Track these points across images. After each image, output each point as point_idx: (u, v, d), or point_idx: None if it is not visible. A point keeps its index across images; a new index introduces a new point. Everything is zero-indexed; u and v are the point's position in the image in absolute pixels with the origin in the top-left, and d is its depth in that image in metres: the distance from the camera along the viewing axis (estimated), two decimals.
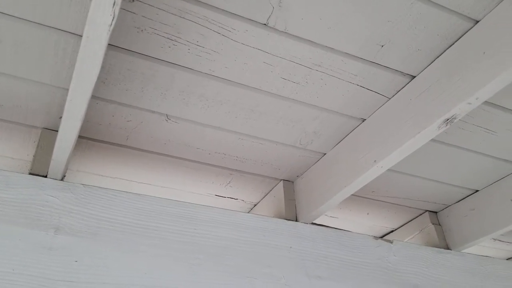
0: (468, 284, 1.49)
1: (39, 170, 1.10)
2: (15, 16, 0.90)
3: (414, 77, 1.08)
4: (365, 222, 1.70)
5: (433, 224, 1.63)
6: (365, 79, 1.09)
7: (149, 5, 0.89)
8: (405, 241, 1.64)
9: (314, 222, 1.39)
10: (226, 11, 0.92)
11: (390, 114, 1.12)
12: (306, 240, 1.32)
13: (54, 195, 1.07)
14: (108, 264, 1.03)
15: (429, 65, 1.05)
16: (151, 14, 0.91)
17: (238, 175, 1.40)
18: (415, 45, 1.00)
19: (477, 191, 1.57)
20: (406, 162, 1.37)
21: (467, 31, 0.97)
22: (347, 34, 0.98)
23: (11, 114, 1.13)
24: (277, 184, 1.46)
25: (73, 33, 0.93)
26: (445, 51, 1.01)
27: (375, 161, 1.11)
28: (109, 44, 0.96)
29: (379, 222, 1.70)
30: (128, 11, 0.90)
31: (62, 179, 1.11)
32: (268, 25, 0.95)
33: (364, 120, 1.21)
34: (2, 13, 0.89)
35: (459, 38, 0.98)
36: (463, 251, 1.59)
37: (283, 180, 1.44)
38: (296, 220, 1.37)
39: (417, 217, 1.69)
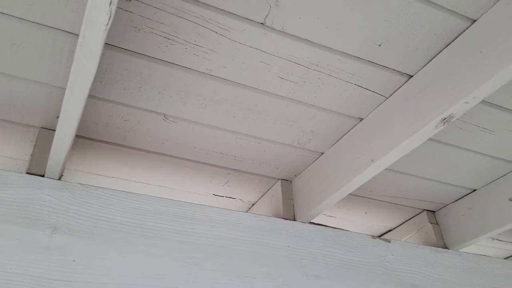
0: (466, 283, 1.50)
1: (36, 169, 1.10)
2: (12, 16, 0.90)
3: (412, 76, 1.08)
4: (363, 221, 1.70)
5: (431, 223, 1.63)
6: (363, 79, 1.09)
7: (146, 4, 0.89)
8: (403, 240, 1.64)
9: (312, 221, 1.39)
10: (224, 10, 0.92)
11: (388, 114, 1.12)
12: (304, 240, 1.32)
13: (52, 194, 1.07)
14: (105, 264, 1.03)
15: (426, 64, 1.05)
16: (148, 14, 0.91)
17: (236, 174, 1.40)
18: (412, 45, 1.00)
19: (475, 190, 1.57)
20: (404, 162, 1.38)
21: (464, 31, 0.97)
22: (345, 34, 0.98)
23: (9, 114, 1.12)
24: (275, 184, 1.46)
25: (70, 33, 0.93)
26: (442, 50, 1.01)
27: (372, 160, 1.11)
28: (106, 44, 0.96)
29: (377, 221, 1.70)
30: (125, 10, 0.90)
31: (59, 179, 1.10)
32: (265, 24, 0.95)
33: (361, 119, 1.21)
34: None
35: (456, 38, 0.99)
36: (461, 250, 1.59)
37: (281, 179, 1.44)
38: (294, 220, 1.37)
39: (415, 216, 1.69)
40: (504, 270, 1.61)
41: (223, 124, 1.20)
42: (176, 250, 1.12)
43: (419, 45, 1.00)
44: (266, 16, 0.93)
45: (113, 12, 0.72)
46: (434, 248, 1.54)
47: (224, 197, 1.49)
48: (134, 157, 1.29)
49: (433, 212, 1.68)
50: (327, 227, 1.40)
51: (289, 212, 1.38)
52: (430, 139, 1.28)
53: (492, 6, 0.92)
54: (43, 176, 1.09)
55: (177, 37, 0.96)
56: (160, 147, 1.26)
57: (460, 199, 1.61)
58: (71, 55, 0.96)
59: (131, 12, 0.90)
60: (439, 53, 1.02)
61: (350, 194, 1.47)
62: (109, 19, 0.73)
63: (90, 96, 1.08)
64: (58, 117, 1.10)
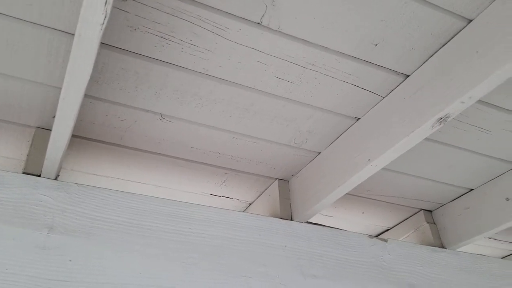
0: (463, 283, 1.50)
1: (32, 169, 1.09)
2: (8, 15, 0.89)
3: (408, 76, 1.08)
4: (361, 221, 1.70)
5: (428, 223, 1.63)
6: (359, 78, 1.09)
7: (142, 4, 0.89)
8: (400, 239, 1.64)
9: (309, 221, 1.39)
10: (220, 10, 0.92)
11: (384, 113, 1.12)
12: (301, 239, 1.32)
13: (48, 194, 1.07)
14: (102, 264, 1.02)
15: (422, 64, 1.05)
16: (144, 13, 0.91)
17: (233, 174, 1.40)
18: (408, 44, 1.01)
19: (471, 189, 1.57)
20: (401, 161, 1.38)
21: (460, 30, 0.97)
22: (341, 33, 0.98)
23: (5, 113, 1.12)
24: (272, 183, 1.46)
25: (66, 32, 0.93)
26: (438, 50, 1.02)
27: (369, 160, 1.11)
28: (102, 43, 0.96)
29: (374, 221, 1.71)
30: (121, 10, 0.90)
31: (56, 179, 1.10)
32: (261, 24, 0.95)
33: (358, 119, 1.21)
34: None
35: (452, 37, 0.99)
36: (458, 249, 1.60)
37: (278, 179, 1.44)
38: (291, 219, 1.37)
39: (412, 215, 1.70)
40: (501, 270, 1.62)
41: (220, 123, 1.20)
42: (173, 250, 1.12)
43: (416, 45, 1.00)
44: (263, 16, 0.93)
45: (108, 12, 0.72)
46: (431, 247, 1.54)
47: (221, 197, 1.49)
48: (131, 156, 1.28)
49: (430, 211, 1.69)
50: (324, 227, 1.40)
51: (286, 211, 1.38)
52: (427, 139, 1.28)
53: (488, 6, 0.92)
54: (39, 176, 1.09)
55: (173, 37, 0.96)
56: (157, 146, 1.26)
57: (457, 199, 1.61)
58: (67, 54, 0.96)
59: (127, 11, 0.90)
60: (435, 53, 1.02)
61: (347, 193, 1.47)
62: (104, 19, 0.73)
63: (87, 95, 1.08)
64: (54, 116, 1.10)
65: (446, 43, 1.00)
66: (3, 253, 0.95)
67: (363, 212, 1.64)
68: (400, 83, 1.10)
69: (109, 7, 0.71)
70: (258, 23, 0.95)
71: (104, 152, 1.26)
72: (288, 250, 1.28)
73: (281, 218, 1.35)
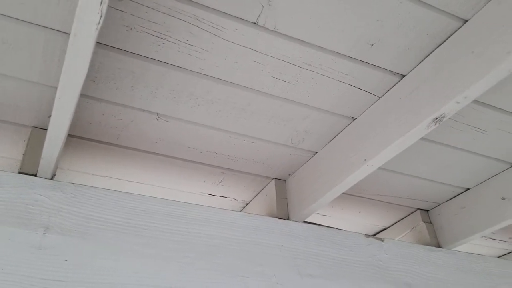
0: (460, 282, 1.50)
1: (28, 169, 1.09)
2: (3, 15, 0.89)
3: (404, 76, 1.09)
4: (357, 221, 1.70)
5: (424, 222, 1.63)
6: (356, 78, 1.09)
7: (138, 3, 0.89)
8: (396, 239, 1.65)
9: (306, 220, 1.39)
10: (216, 9, 0.92)
11: (380, 113, 1.13)
12: (298, 239, 1.32)
13: (44, 194, 1.07)
14: (98, 264, 1.02)
15: (418, 64, 1.05)
16: (140, 13, 0.91)
17: (230, 173, 1.40)
18: (404, 44, 1.01)
19: (468, 189, 1.58)
20: (397, 161, 1.38)
21: (456, 31, 0.98)
22: (337, 33, 0.98)
23: (0, 113, 1.12)
24: (269, 183, 1.46)
25: (62, 32, 0.93)
26: (434, 50, 1.02)
27: (365, 159, 1.12)
28: (98, 43, 0.96)
29: (371, 221, 1.71)
30: (117, 9, 0.90)
31: (52, 178, 1.10)
32: (258, 24, 0.95)
33: (354, 119, 1.21)
34: None
35: (448, 38, 0.99)
36: (454, 249, 1.60)
37: (275, 178, 1.45)
38: (288, 219, 1.37)
39: (408, 215, 1.70)
40: (497, 269, 1.62)
41: (216, 123, 1.20)
42: (169, 249, 1.12)
43: (411, 45, 1.01)
44: (259, 16, 0.93)
45: (104, 11, 0.72)
46: (428, 247, 1.55)
47: (218, 197, 1.49)
48: (127, 156, 1.28)
49: (427, 211, 1.69)
50: (320, 226, 1.40)
51: (283, 211, 1.39)
52: (423, 139, 1.28)
53: (483, 6, 0.93)
54: (35, 175, 1.08)
55: (170, 37, 0.96)
56: (154, 146, 1.26)
57: (453, 198, 1.62)
58: (63, 54, 0.96)
59: (123, 11, 0.90)
60: (431, 53, 1.02)
61: (344, 193, 1.48)
62: (100, 18, 0.73)
63: (83, 95, 1.07)
64: (50, 116, 1.10)
65: (442, 43, 1.00)
66: None
67: (359, 212, 1.64)
68: (396, 83, 1.10)
69: (104, 6, 0.71)
70: (255, 23, 0.95)
71: (100, 151, 1.25)
72: (285, 250, 1.28)
73: (278, 218, 1.35)
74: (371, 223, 1.73)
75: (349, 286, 1.30)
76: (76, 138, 1.21)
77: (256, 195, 1.51)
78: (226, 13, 0.93)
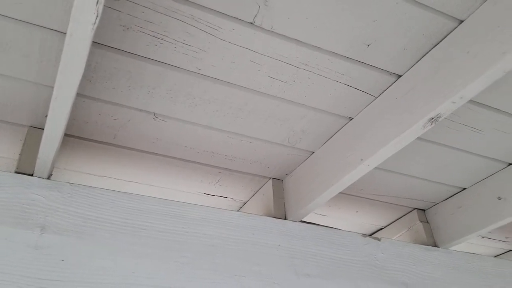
0: (456, 281, 1.51)
1: (25, 168, 1.09)
2: (0, 14, 0.89)
3: (400, 76, 1.09)
4: (355, 220, 1.71)
5: (421, 221, 1.64)
6: (352, 78, 1.09)
7: (134, 3, 0.89)
8: (393, 238, 1.65)
9: (303, 220, 1.39)
10: (213, 9, 0.92)
11: (377, 113, 1.13)
12: (295, 238, 1.32)
13: (40, 193, 1.06)
14: (95, 263, 1.02)
15: (414, 64, 1.05)
16: (137, 13, 0.91)
17: (227, 173, 1.40)
18: (401, 45, 1.01)
19: (464, 189, 1.58)
20: (394, 161, 1.38)
21: (451, 31, 0.98)
22: (334, 34, 0.98)
23: None
24: (266, 183, 1.46)
25: (59, 31, 0.93)
26: (430, 50, 1.02)
27: (361, 159, 1.12)
28: (95, 42, 0.96)
29: (368, 220, 1.71)
30: (113, 9, 0.90)
31: (48, 178, 1.10)
32: (254, 24, 0.95)
33: (351, 118, 1.22)
34: None
35: (444, 38, 0.99)
36: (451, 248, 1.61)
37: (272, 178, 1.45)
38: (285, 218, 1.37)
39: (405, 215, 1.70)
40: (494, 268, 1.63)
41: (214, 123, 1.20)
42: (167, 249, 1.12)
43: (408, 45, 1.01)
44: (255, 16, 0.93)
45: (100, 11, 0.72)
46: (424, 246, 1.55)
47: (216, 196, 1.49)
48: (125, 156, 1.28)
49: (423, 210, 1.70)
50: (317, 226, 1.41)
51: (280, 211, 1.39)
52: (420, 138, 1.29)
53: (478, 7, 0.93)
54: (32, 175, 1.08)
55: (166, 36, 0.96)
56: (151, 146, 1.26)
57: (450, 198, 1.62)
58: (59, 53, 0.96)
59: (119, 11, 0.90)
60: (427, 53, 1.03)
61: (341, 193, 1.48)
62: (96, 18, 0.73)
63: (80, 95, 1.07)
64: (47, 116, 1.10)
65: (438, 43, 1.00)
66: None
67: (357, 211, 1.65)
68: (393, 83, 1.10)
69: (100, 6, 0.71)
70: (251, 23, 0.95)
71: (97, 151, 1.25)
72: (282, 249, 1.28)
73: (275, 217, 1.35)
74: (368, 223, 1.73)
75: (346, 285, 1.30)
76: (73, 138, 1.21)
77: (253, 195, 1.52)
78: (223, 13, 0.93)
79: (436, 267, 1.51)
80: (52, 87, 1.02)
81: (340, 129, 1.25)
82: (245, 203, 1.56)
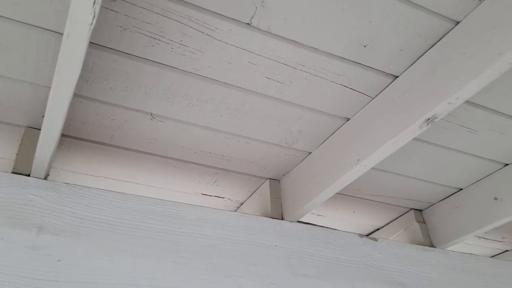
0: (453, 282, 1.51)
1: (22, 169, 1.09)
2: None
3: (397, 77, 1.09)
4: (352, 220, 1.71)
5: (418, 222, 1.64)
6: (349, 79, 1.10)
7: (131, 4, 0.89)
8: (390, 239, 1.66)
9: (300, 220, 1.39)
10: (209, 10, 0.92)
11: (373, 114, 1.13)
12: (292, 239, 1.33)
13: (37, 194, 1.06)
14: (91, 264, 1.02)
15: (411, 65, 1.06)
16: (134, 13, 0.91)
17: (224, 173, 1.40)
18: (397, 46, 1.01)
19: (461, 189, 1.59)
20: (391, 161, 1.39)
21: (448, 32, 0.98)
22: (330, 34, 0.98)
23: None
24: (263, 183, 1.46)
25: (56, 32, 0.93)
26: (426, 51, 1.02)
27: (358, 160, 1.12)
28: (92, 43, 0.96)
29: (365, 220, 1.72)
30: (110, 9, 0.90)
31: (45, 178, 1.10)
32: (251, 24, 0.95)
33: (348, 119, 1.22)
34: None
35: (440, 39, 1.00)
36: (448, 248, 1.61)
37: (269, 178, 1.45)
38: (282, 219, 1.38)
39: (402, 215, 1.71)
40: (490, 269, 1.63)
41: (211, 123, 1.20)
42: (164, 249, 1.12)
43: (404, 46, 1.01)
44: (252, 17, 0.94)
45: (97, 12, 0.72)
46: (421, 246, 1.56)
47: (213, 197, 1.50)
48: (122, 156, 1.28)
49: (420, 211, 1.70)
50: (314, 226, 1.41)
51: (277, 211, 1.39)
52: (416, 139, 1.29)
53: (475, 8, 0.93)
54: (28, 175, 1.08)
55: (163, 37, 0.96)
56: (148, 146, 1.26)
57: (446, 198, 1.63)
58: (56, 54, 0.96)
59: (116, 11, 0.90)
60: (423, 54, 1.03)
61: (338, 193, 1.48)
62: (93, 19, 0.73)
63: (77, 95, 1.07)
64: (44, 116, 1.10)
65: (434, 44, 1.01)
66: None
67: (354, 212, 1.65)
68: (389, 84, 1.11)
69: (97, 7, 0.71)
70: (248, 23, 0.95)
71: (94, 151, 1.25)
72: (279, 250, 1.28)
73: (272, 218, 1.35)
74: (365, 223, 1.74)
75: (343, 285, 1.30)
76: (70, 138, 1.21)
77: (250, 195, 1.52)
78: (220, 14, 0.93)
79: (433, 267, 1.52)
80: (49, 88, 1.02)
81: (337, 129, 1.25)
82: (242, 204, 1.56)
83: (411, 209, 1.69)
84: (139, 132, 1.20)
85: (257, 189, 1.49)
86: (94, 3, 0.71)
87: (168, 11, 0.91)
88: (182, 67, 1.03)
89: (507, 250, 2.05)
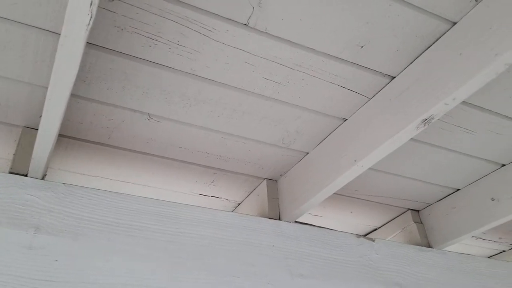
0: (450, 282, 1.52)
1: (19, 169, 1.09)
2: None
3: (394, 77, 1.10)
4: (349, 221, 1.71)
5: (415, 222, 1.65)
6: (346, 80, 1.10)
7: (129, 4, 0.89)
8: (387, 239, 1.66)
9: (297, 220, 1.40)
10: (207, 11, 0.92)
11: (371, 114, 1.14)
12: (289, 239, 1.33)
13: (35, 194, 1.06)
14: (89, 264, 1.02)
15: (408, 66, 1.06)
16: (131, 14, 0.91)
17: (222, 174, 1.40)
18: (394, 46, 1.02)
19: (458, 190, 1.59)
20: (388, 161, 1.39)
21: (444, 33, 0.99)
22: (327, 35, 0.99)
23: None
24: (260, 183, 1.47)
25: (53, 32, 0.93)
26: (423, 52, 1.03)
27: (355, 160, 1.12)
28: (89, 43, 0.96)
29: (363, 221, 1.72)
30: (108, 10, 0.90)
31: (42, 178, 1.10)
32: (248, 25, 0.96)
33: (345, 119, 1.22)
34: None
35: (437, 40, 1.00)
36: (445, 249, 1.61)
37: (267, 179, 1.45)
38: (279, 219, 1.38)
39: (399, 215, 1.71)
40: (487, 269, 1.64)
41: (208, 123, 1.20)
42: (161, 250, 1.12)
43: (401, 46, 1.02)
44: (249, 17, 0.94)
45: (94, 12, 0.73)
46: (418, 247, 1.56)
47: (210, 197, 1.50)
48: (119, 156, 1.28)
49: (417, 211, 1.71)
50: (312, 226, 1.41)
51: (274, 211, 1.39)
52: (414, 140, 1.30)
53: (471, 9, 0.94)
54: (26, 175, 1.08)
55: (161, 37, 0.96)
56: (145, 146, 1.26)
57: (443, 199, 1.63)
58: (54, 54, 0.96)
59: (114, 12, 0.90)
60: (420, 54, 1.03)
61: (335, 193, 1.49)
62: (90, 19, 0.73)
63: (74, 95, 1.07)
64: (41, 116, 1.10)
65: (431, 45, 1.01)
66: None
67: (351, 212, 1.65)
68: (386, 85, 1.11)
69: (94, 7, 0.72)
70: (245, 24, 0.95)
71: (91, 151, 1.25)
72: (276, 250, 1.28)
73: (269, 218, 1.35)
74: (363, 223, 1.74)
75: (340, 286, 1.30)
76: (67, 138, 1.21)
77: (247, 195, 1.52)
78: (217, 14, 0.93)
79: (430, 267, 1.52)
80: (47, 88, 1.02)
81: (334, 130, 1.25)
82: (239, 204, 1.56)
83: (408, 209, 1.69)
84: (137, 132, 1.20)
85: (254, 189, 1.49)
86: (91, 3, 0.71)
87: (165, 12, 0.91)
88: (180, 67, 1.03)
89: (504, 251, 2.06)
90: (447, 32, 0.98)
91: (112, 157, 1.28)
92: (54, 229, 1.04)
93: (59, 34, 0.92)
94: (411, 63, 1.05)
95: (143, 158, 1.30)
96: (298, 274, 1.26)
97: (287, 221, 1.37)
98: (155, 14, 0.92)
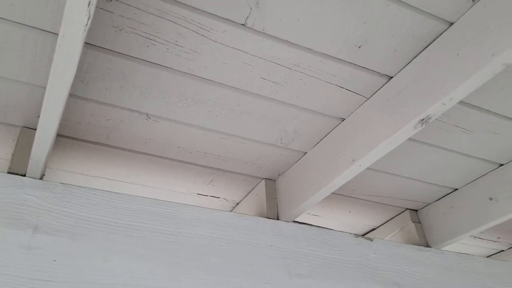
0: (448, 282, 1.52)
1: (17, 169, 1.09)
2: None
3: (391, 77, 1.10)
4: (347, 220, 1.72)
5: (413, 222, 1.65)
6: (344, 80, 1.10)
7: (127, 4, 0.89)
8: (386, 239, 1.66)
9: (295, 220, 1.40)
10: (205, 11, 0.93)
11: (368, 114, 1.14)
12: (287, 239, 1.33)
13: (33, 194, 1.07)
14: (87, 264, 1.03)
15: (405, 66, 1.06)
16: (129, 14, 0.91)
17: (220, 173, 1.40)
18: (391, 46, 1.02)
19: (456, 189, 1.59)
20: (386, 161, 1.39)
21: (442, 33, 0.99)
22: (325, 35, 0.99)
23: None
24: (259, 183, 1.47)
25: (51, 32, 0.93)
26: (421, 52, 1.03)
27: (353, 160, 1.13)
28: (87, 43, 0.96)
29: (361, 220, 1.72)
30: (106, 10, 0.90)
31: (41, 178, 1.10)
32: (246, 25, 0.96)
33: (343, 119, 1.22)
34: None
35: (434, 40, 1.00)
36: (443, 248, 1.62)
37: (265, 178, 1.45)
38: (278, 219, 1.38)
39: (397, 215, 1.72)
40: (486, 269, 1.64)
41: (206, 123, 1.20)
42: (159, 249, 1.12)
43: (398, 47, 1.02)
44: (247, 18, 0.94)
45: (92, 13, 0.73)
46: (417, 246, 1.56)
47: (208, 197, 1.50)
48: (117, 156, 1.29)
49: (416, 211, 1.71)
50: (310, 226, 1.41)
51: (272, 211, 1.39)
52: (411, 139, 1.30)
53: (468, 9, 0.94)
54: (24, 175, 1.08)
55: (159, 37, 0.97)
56: (143, 146, 1.26)
57: (442, 198, 1.64)
58: (52, 54, 0.96)
59: (111, 12, 0.90)
60: (418, 55, 1.04)
61: (333, 193, 1.49)
62: (88, 20, 0.74)
63: (72, 95, 1.08)
64: (39, 116, 1.10)
65: (428, 45, 1.01)
66: None
67: (349, 212, 1.66)
68: (384, 85, 1.11)
69: (92, 8, 0.72)
70: (243, 24, 0.96)
71: (90, 151, 1.26)
72: (275, 250, 1.29)
73: (268, 218, 1.36)
74: (361, 223, 1.74)
75: (338, 286, 1.31)
76: (66, 138, 1.21)
77: (246, 195, 1.52)
78: (215, 15, 0.93)
79: (429, 267, 1.52)
80: (45, 88, 1.02)
81: (332, 130, 1.26)
82: (238, 204, 1.57)
83: (407, 209, 1.70)
84: (135, 132, 1.21)
85: (252, 189, 1.49)
86: (89, 4, 0.71)
87: (163, 12, 0.92)
88: (178, 67, 1.04)
89: (502, 250, 2.06)
90: (444, 33, 0.99)
91: (111, 157, 1.29)
92: (53, 229, 1.04)
93: (57, 34, 0.92)
94: (409, 63, 1.06)
95: (142, 158, 1.30)
96: (296, 274, 1.27)
97: (285, 221, 1.37)
98: (153, 14, 0.92)
